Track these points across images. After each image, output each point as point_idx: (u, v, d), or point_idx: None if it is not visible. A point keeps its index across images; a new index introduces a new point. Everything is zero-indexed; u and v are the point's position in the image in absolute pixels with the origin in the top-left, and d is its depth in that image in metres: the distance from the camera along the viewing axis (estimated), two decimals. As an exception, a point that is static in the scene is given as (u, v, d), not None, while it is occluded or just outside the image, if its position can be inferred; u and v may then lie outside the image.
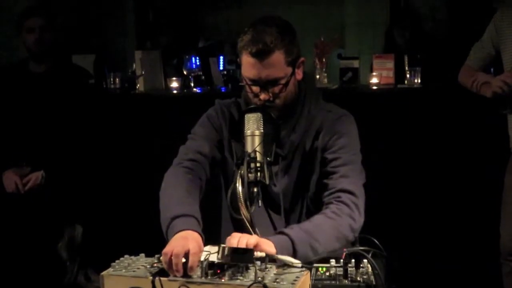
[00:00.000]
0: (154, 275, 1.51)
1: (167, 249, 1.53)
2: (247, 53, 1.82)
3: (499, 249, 2.68)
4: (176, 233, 1.62)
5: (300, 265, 1.56)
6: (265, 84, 1.84)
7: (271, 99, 1.86)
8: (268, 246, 1.61)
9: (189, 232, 1.61)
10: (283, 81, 1.85)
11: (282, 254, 1.61)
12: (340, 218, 1.75)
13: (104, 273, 1.55)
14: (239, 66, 4.07)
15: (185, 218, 1.67)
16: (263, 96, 1.85)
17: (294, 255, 1.63)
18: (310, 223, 1.76)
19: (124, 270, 1.55)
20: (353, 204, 1.79)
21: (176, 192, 1.80)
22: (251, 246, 1.58)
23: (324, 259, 1.63)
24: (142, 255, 1.66)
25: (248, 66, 1.84)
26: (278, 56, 1.82)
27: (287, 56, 1.84)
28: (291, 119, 1.93)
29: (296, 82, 1.91)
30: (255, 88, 1.86)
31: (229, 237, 1.63)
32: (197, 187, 1.86)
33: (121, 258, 1.63)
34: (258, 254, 1.57)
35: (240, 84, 1.90)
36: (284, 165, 1.94)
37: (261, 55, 1.80)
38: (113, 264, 1.59)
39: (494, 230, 2.70)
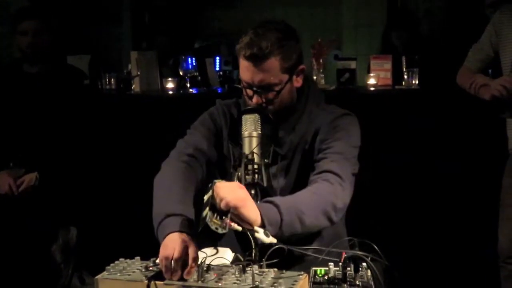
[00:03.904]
0: (149, 278, 1.49)
1: (168, 252, 1.51)
2: (242, 55, 1.81)
3: (498, 252, 2.67)
4: (169, 233, 1.59)
5: (275, 241, 1.48)
6: (258, 88, 1.83)
7: (264, 104, 1.85)
8: (251, 211, 1.52)
9: (185, 234, 1.58)
10: (277, 88, 1.83)
11: (269, 221, 1.53)
12: (324, 195, 1.69)
13: (98, 276, 1.54)
14: (235, 67, 4.07)
15: (180, 217, 1.64)
16: (255, 100, 1.85)
17: (281, 225, 1.57)
18: (294, 196, 1.70)
19: (119, 274, 1.53)
20: (338, 184, 1.73)
21: (173, 186, 1.77)
22: (228, 207, 1.48)
23: (322, 262, 1.61)
24: (138, 258, 1.64)
25: (243, 69, 1.84)
26: (273, 62, 1.80)
27: (284, 62, 1.82)
28: (291, 118, 1.92)
29: (293, 89, 1.89)
30: (249, 91, 1.86)
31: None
32: (193, 184, 1.83)
33: (116, 262, 1.61)
34: (235, 226, 1.49)
35: (235, 85, 1.87)
36: (284, 165, 1.93)
37: (255, 59, 1.79)
38: (107, 267, 1.57)
39: (493, 233, 2.68)
